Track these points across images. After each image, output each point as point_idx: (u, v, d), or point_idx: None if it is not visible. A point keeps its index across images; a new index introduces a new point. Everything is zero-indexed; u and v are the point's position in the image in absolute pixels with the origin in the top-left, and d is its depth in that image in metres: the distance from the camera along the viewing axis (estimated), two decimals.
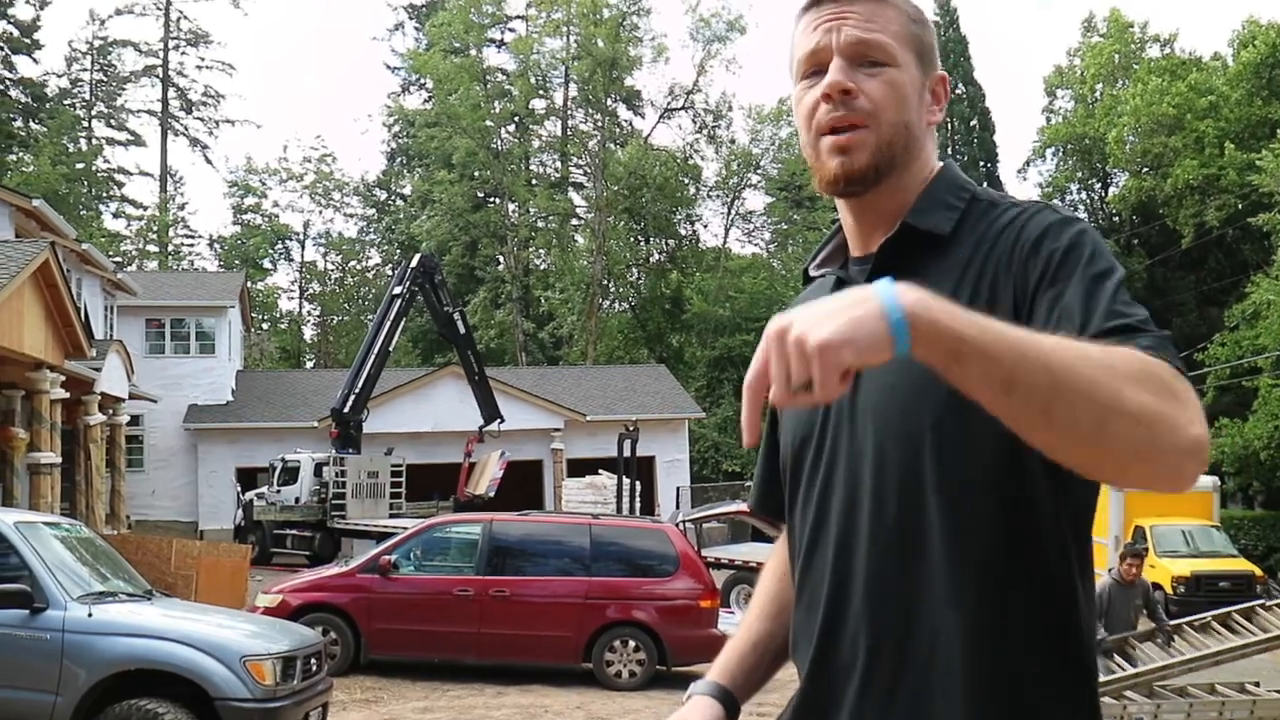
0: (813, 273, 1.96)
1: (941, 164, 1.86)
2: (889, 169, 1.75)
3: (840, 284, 1.84)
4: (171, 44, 63.17)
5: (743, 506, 24.24)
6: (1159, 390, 1.36)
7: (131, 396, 28.92)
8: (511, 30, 59.44)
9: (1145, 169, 44.45)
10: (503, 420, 32.69)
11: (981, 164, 52.49)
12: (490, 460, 31.77)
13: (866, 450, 1.70)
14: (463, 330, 32.84)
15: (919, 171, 1.80)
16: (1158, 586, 20.65)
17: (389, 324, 31.12)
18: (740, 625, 2.04)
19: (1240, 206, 40.21)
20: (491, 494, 30.10)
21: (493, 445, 32.33)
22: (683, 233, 58.18)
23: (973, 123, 54.28)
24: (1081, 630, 1.64)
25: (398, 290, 31.35)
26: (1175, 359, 1.45)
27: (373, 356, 30.71)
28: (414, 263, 31.97)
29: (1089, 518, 1.69)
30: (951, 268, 1.70)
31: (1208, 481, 26.90)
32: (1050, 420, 1.34)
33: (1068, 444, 1.36)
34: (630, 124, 59.20)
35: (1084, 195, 53.46)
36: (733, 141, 56.20)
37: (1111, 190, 50.75)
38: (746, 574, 21.43)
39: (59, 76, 61.62)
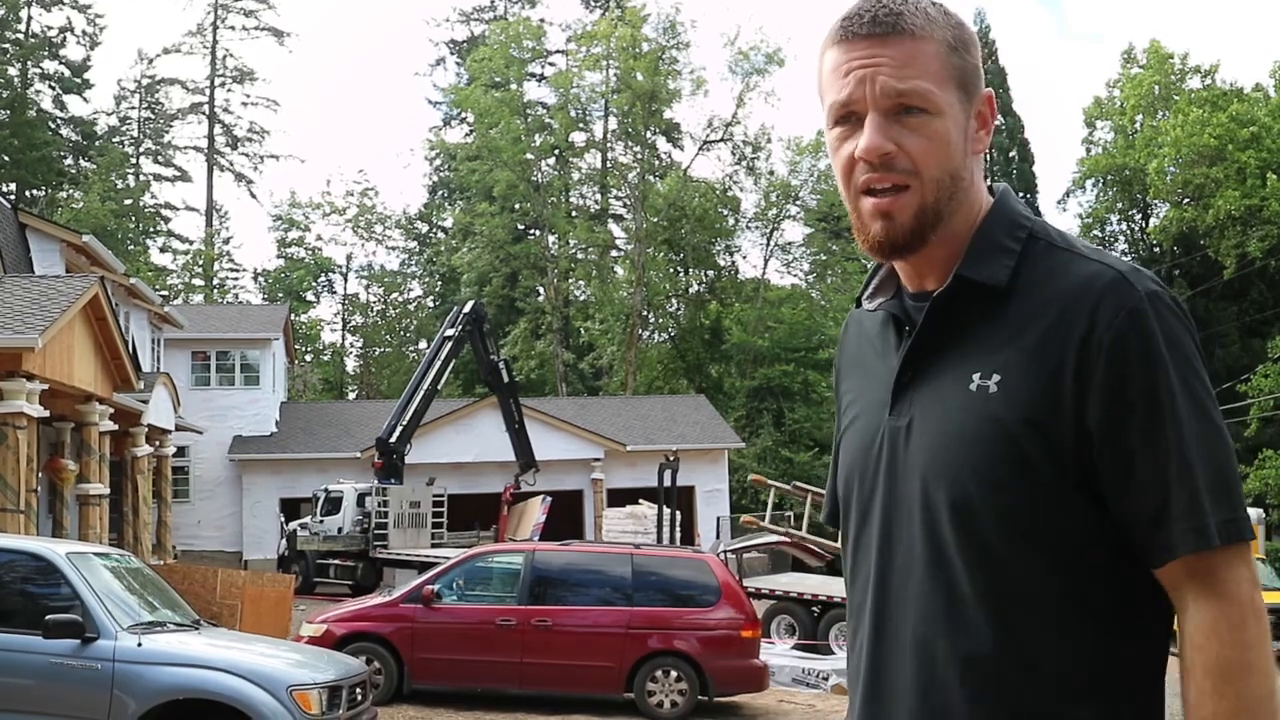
0: (866, 304, 1.85)
1: (995, 196, 1.74)
2: (934, 226, 1.66)
3: (895, 320, 1.78)
4: (218, 81, 64.11)
5: (783, 537, 24.21)
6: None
7: (178, 428, 29.24)
8: (552, 65, 59.98)
9: (1186, 200, 44.17)
10: (538, 469, 32.83)
11: (1021, 195, 52.02)
12: (533, 506, 31.78)
13: (912, 508, 1.67)
14: (506, 379, 33.01)
15: (969, 212, 1.69)
16: None
17: (439, 363, 31.41)
18: None
19: None
20: (536, 539, 30.12)
21: (534, 484, 32.49)
22: (722, 264, 58.20)
23: (1012, 154, 54.09)
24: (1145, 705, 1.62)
25: (450, 333, 31.66)
26: (1241, 555, 1.56)
27: (421, 392, 30.96)
28: (466, 308, 32.31)
29: (1150, 606, 1.62)
30: (1009, 320, 1.63)
31: (1252, 514, 26.52)
32: None
33: None
34: (669, 156, 59.46)
35: (1124, 226, 53.15)
36: (771, 173, 56.27)
37: (1152, 221, 50.41)
38: (788, 604, 21.39)
39: (108, 115, 62.79)
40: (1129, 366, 1.56)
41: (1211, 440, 1.57)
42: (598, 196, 59.38)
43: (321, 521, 30.93)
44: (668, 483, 30.07)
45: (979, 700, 1.60)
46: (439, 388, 32.31)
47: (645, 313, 54.40)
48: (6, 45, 55.07)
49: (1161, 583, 1.59)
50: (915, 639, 1.66)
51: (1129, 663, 1.60)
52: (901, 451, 1.70)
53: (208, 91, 64.00)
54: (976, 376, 1.63)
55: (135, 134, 63.24)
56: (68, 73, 57.37)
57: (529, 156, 54.13)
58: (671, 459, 30.84)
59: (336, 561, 29.75)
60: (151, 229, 60.99)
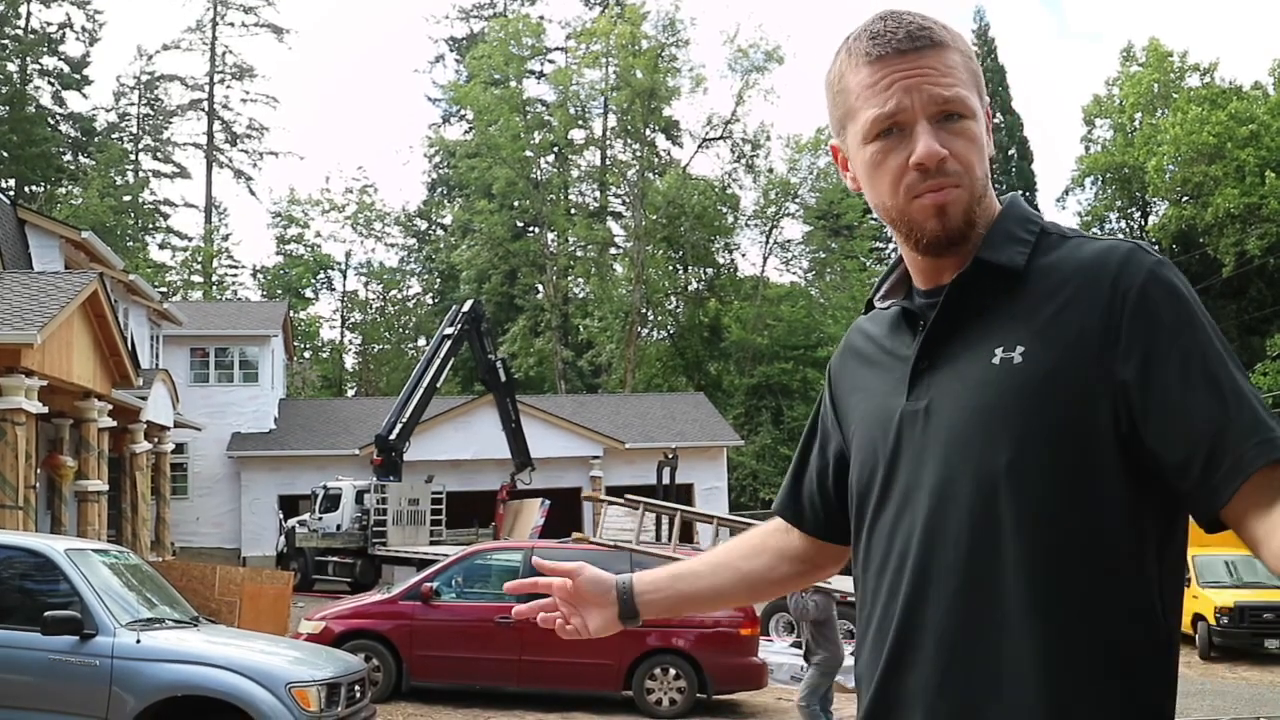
0: (877, 304, 1.89)
1: (1009, 198, 1.81)
2: (978, 220, 1.72)
3: (908, 315, 1.80)
4: (217, 78, 64.09)
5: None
6: None
7: (176, 425, 29.22)
8: (551, 62, 59.98)
9: (1185, 198, 44.20)
10: (534, 469, 32.84)
11: (1021, 193, 52.19)
12: (530, 507, 31.73)
13: (937, 486, 1.67)
14: (503, 378, 33.02)
15: (988, 207, 1.75)
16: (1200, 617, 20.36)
17: (438, 361, 31.44)
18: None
19: None
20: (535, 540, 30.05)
21: (530, 483, 32.49)
22: (721, 261, 58.21)
23: (1011, 152, 54.13)
24: (1165, 670, 1.62)
25: (448, 331, 31.70)
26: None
27: (420, 390, 30.98)
28: (465, 308, 32.36)
29: (1177, 551, 1.65)
30: (1027, 300, 1.67)
31: None
32: None
33: None
34: (669, 153, 59.46)
35: (1123, 224, 53.14)
36: (770, 170, 56.28)
37: (1151, 219, 50.42)
38: (785, 601, 21.35)
39: (107, 111, 62.74)
40: (1158, 316, 1.60)
41: (1246, 379, 1.60)
42: (597, 194, 59.39)
43: (320, 518, 30.90)
44: (666, 480, 30.07)
45: (1014, 682, 1.59)
46: (438, 385, 32.33)
47: (644, 310, 54.41)
48: (6, 41, 55.03)
49: (1227, 521, 1.55)
50: (944, 613, 1.65)
51: (1152, 636, 1.60)
52: (919, 434, 1.71)
53: (207, 88, 64.02)
54: (999, 350, 1.65)
55: (134, 130, 63.25)
56: (67, 69, 57.33)
57: (528, 154, 54.15)
58: (670, 457, 30.86)
59: (335, 559, 29.73)
60: (150, 225, 61.01)
